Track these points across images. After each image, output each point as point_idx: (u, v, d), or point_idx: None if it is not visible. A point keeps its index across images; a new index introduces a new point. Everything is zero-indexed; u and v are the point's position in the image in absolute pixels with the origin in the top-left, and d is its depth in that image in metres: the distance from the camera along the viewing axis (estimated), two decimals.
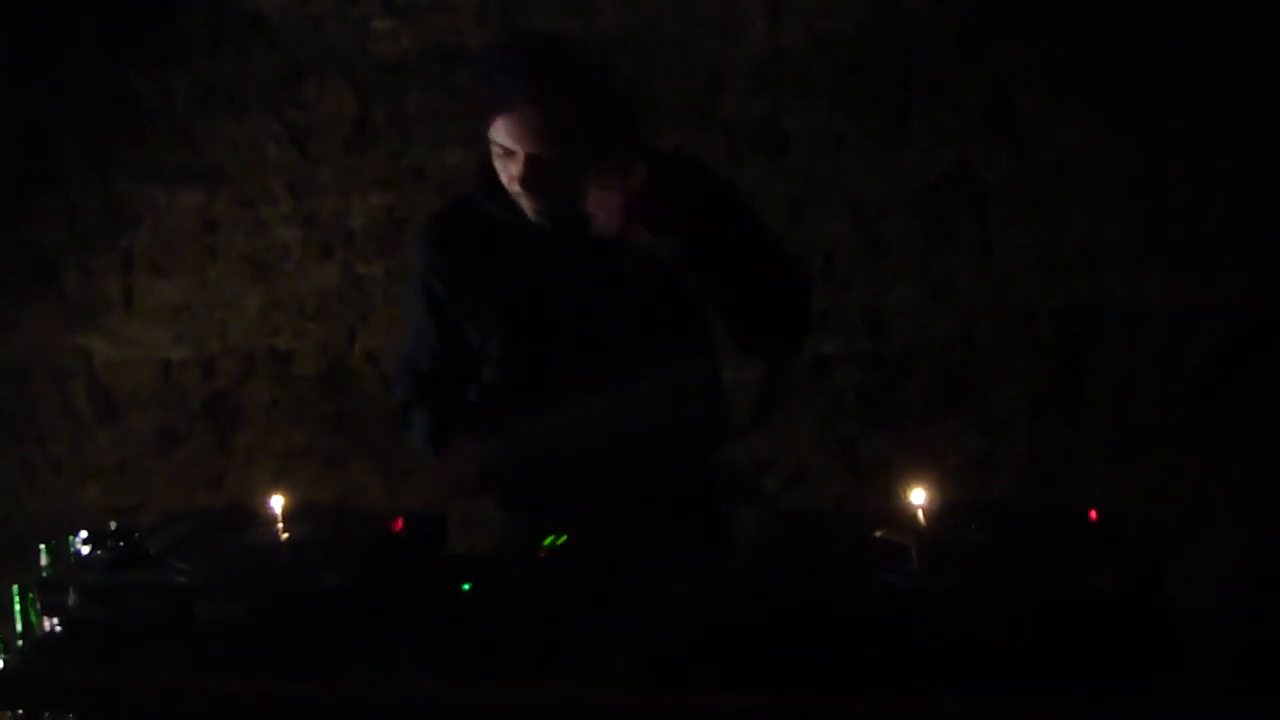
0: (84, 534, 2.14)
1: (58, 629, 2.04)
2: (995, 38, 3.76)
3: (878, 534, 2.01)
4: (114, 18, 4.20)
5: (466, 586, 2.09)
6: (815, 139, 3.89)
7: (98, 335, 4.41)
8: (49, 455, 4.51)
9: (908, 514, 2.01)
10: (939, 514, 2.01)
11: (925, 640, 1.76)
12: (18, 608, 2.06)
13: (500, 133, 2.38)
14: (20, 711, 1.98)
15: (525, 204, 2.45)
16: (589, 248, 2.42)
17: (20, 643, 2.05)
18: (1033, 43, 3.74)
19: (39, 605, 2.05)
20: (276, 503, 2.20)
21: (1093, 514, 2.04)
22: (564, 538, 2.20)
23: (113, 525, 2.13)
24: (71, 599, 2.01)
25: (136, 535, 2.12)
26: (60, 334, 4.43)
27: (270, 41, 4.14)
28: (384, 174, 4.16)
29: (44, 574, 2.11)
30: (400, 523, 2.23)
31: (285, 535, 2.17)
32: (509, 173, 2.42)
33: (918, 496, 2.01)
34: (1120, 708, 1.67)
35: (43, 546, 2.14)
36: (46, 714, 1.96)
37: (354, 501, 4.28)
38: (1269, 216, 3.68)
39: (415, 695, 1.86)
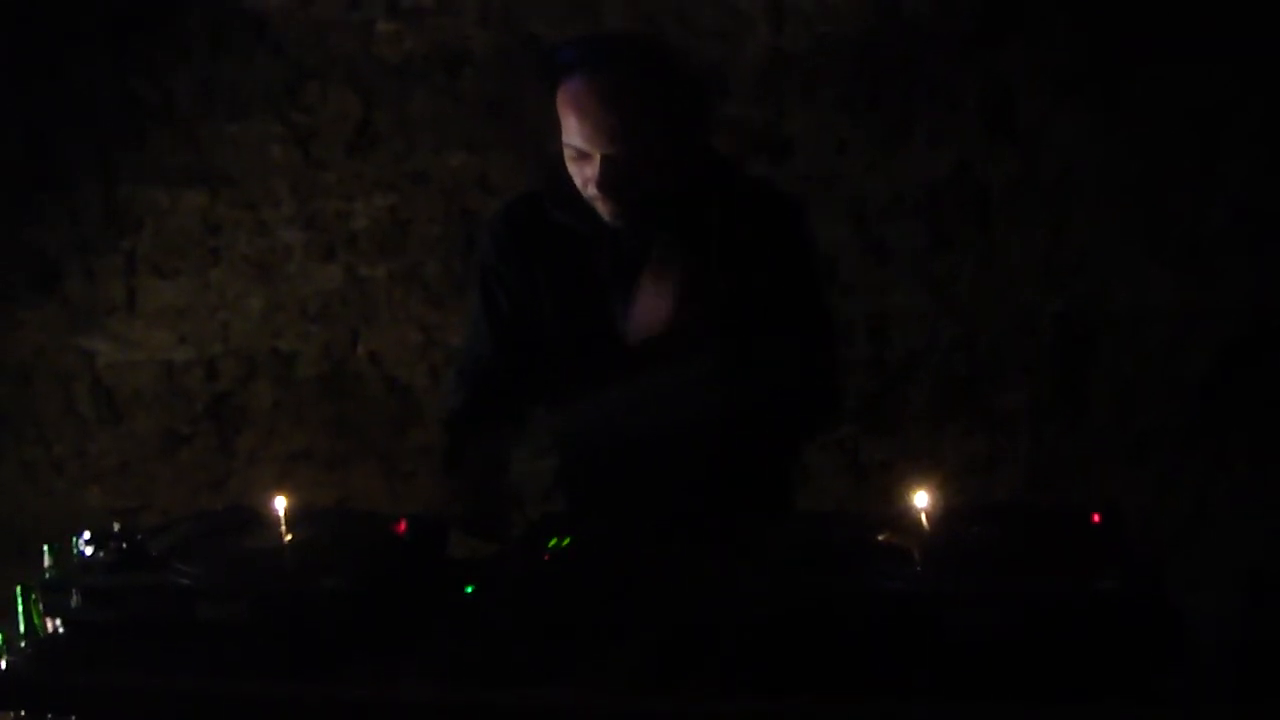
0: (87, 535, 2.14)
1: (60, 630, 2.05)
2: (997, 41, 3.76)
3: (880, 537, 2.01)
4: (117, 20, 4.20)
5: (469, 589, 2.09)
6: (817, 142, 3.90)
7: (101, 337, 4.41)
8: (52, 456, 4.51)
9: (910, 517, 2.01)
10: (942, 517, 2.01)
11: (928, 643, 1.76)
12: (20, 609, 2.06)
13: (575, 134, 2.32)
14: (23, 713, 1.98)
15: (601, 207, 2.39)
16: (662, 250, 2.41)
17: (23, 644, 2.05)
18: (1035, 46, 3.74)
19: (42, 606, 2.05)
20: (279, 504, 2.20)
21: (1096, 517, 2.04)
22: (567, 540, 2.20)
23: (115, 527, 2.13)
24: (74, 600, 2.01)
25: (139, 537, 2.12)
26: (63, 335, 4.43)
27: (273, 44, 4.14)
28: (387, 177, 4.16)
29: (47, 575, 2.11)
30: (403, 525, 2.23)
31: (288, 537, 2.17)
32: (584, 175, 2.36)
33: (920, 499, 2.01)
34: (1124, 710, 1.67)
35: (45, 548, 2.14)
36: (49, 715, 1.96)
37: (356, 503, 4.28)
38: (1271, 219, 3.68)
39: (417, 698, 1.86)
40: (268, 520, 2.20)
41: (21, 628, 2.06)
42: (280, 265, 4.27)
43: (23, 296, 4.41)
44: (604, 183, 2.33)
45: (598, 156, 2.31)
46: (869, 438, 4.01)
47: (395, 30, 4.08)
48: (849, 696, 1.73)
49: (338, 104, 4.14)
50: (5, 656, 2.03)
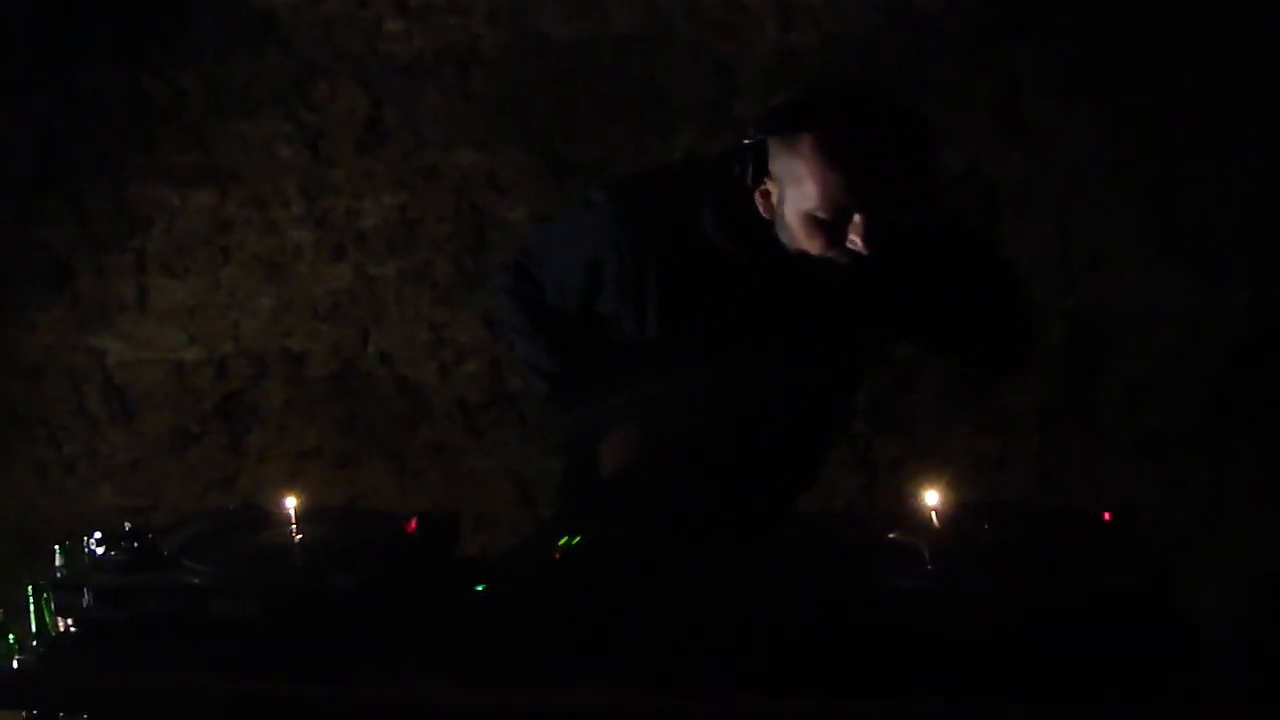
0: (98, 534, 2.15)
1: (72, 630, 2.05)
2: (1006, 40, 3.75)
3: (890, 536, 2.02)
4: (126, 20, 4.21)
5: (480, 587, 2.09)
6: None
7: (111, 336, 4.42)
8: (63, 456, 4.52)
9: (920, 516, 2.01)
10: (952, 516, 2.01)
11: (938, 642, 1.76)
12: (32, 608, 2.07)
13: (825, 198, 2.21)
14: (35, 712, 1.98)
15: (842, 262, 2.27)
16: (813, 281, 2.36)
17: (35, 643, 2.06)
18: (1044, 44, 3.74)
19: (53, 606, 2.05)
20: (290, 503, 2.21)
21: (1106, 516, 2.04)
22: (577, 539, 2.20)
23: (127, 525, 2.14)
24: (86, 599, 2.02)
25: (150, 535, 2.12)
26: (73, 335, 4.43)
27: (282, 43, 4.14)
28: (396, 175, 4.16)
29: (58, 574, 2.11)
30: (413, 523, 2.24)
31: (298, 536, 2.17)
32: (828, 236, 2.25)
33: (930, 498, 2.01)
34: (1134, 709, 1.67)
35: (57, 547, 2.15)
36: (61, 715, 1.97)
37: (367, 502, 4.28)
38: (1279, 219, 3.68)
39: (428, 696, 1.86)
40: (278, 519, 2.21)
41: (33, 627, 2.06)
42: (290, 264, 4.27)
43: (33, 296, 4.42)
44: (870, 240, 2.22)
45: (859, 217, 2.21)
46: (879, 436, 4.00)
47: (404, 28, 4.08)
48: (858, 695, 1.73)
49: (347, 102, 4.15)
50: (17, 656, 2.04)
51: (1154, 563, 1.85)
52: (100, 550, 2.13)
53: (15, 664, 2.03)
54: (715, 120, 3.92)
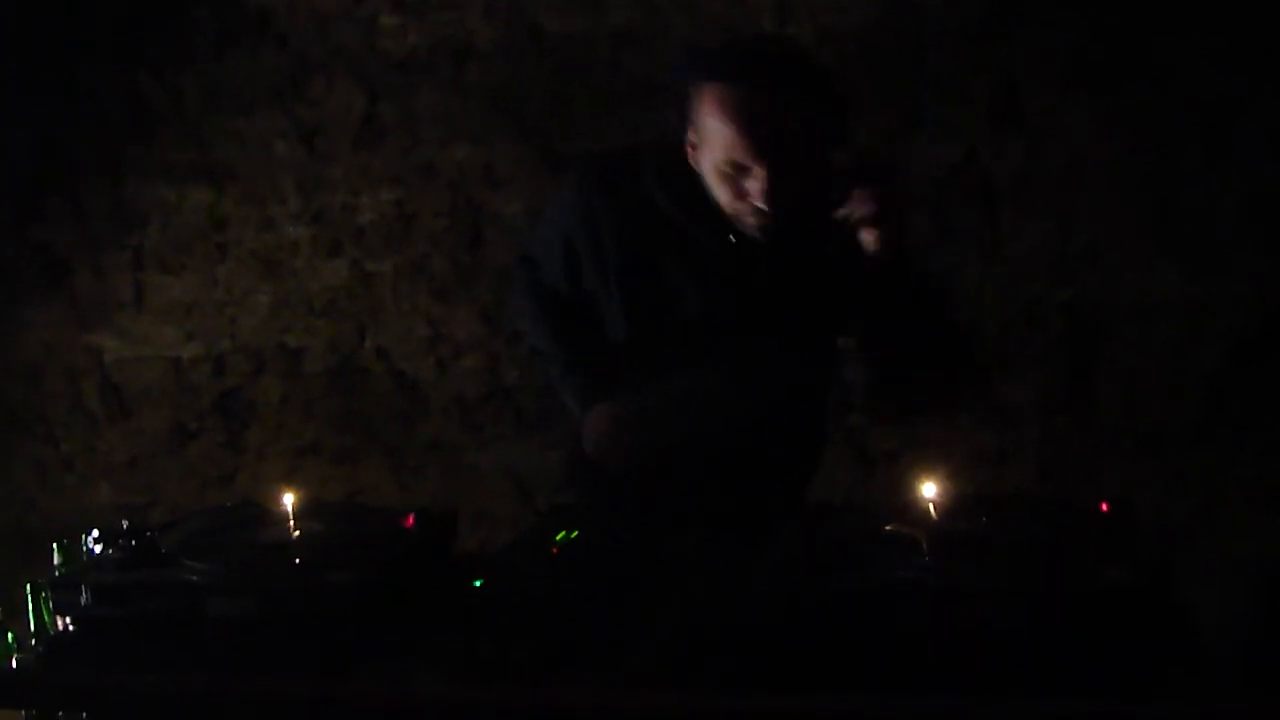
0: (96, 532, 2.15)
1: (70, 628, 2.05)
2: (1004, 32, 3.75)
3: (888, 528, 2.01)
4: (122, 17, 4.20)
5: (478, 583, 2.09)
6: None
7: (108, 333, 4.42)
8: (60, 454, 4.52)
9: (918, 508, 2.01)
10: (950, 508, 2.01)
11: (936, 635, 1.75)
12: (30, 607, 2.07)
13: (734, 147, 2.24)
14: (34, 711, 1.98)
15: (751, 221, 2.31)
16: (791, 259, 2.39)
17: (33, 642, 2.06)
18: (1043, 36, 3.73)
19: (52, 604, 2.05)
20: (288, 500, 2.21)
21: (1104, 507, 2.04)
22: (575, 534, 2.20)
23: (125, 523, 2.14)
24: (84, 598, 2.02)
25: (148, 533, 2.12)
26: (71, 333, 4.43)
27: (278, 39, 4.14)
28: (393, 170, 4.16)
29: (56, 573, 2.11)
30: (411, 519, 2.24)
31: (297, 532, 2.17)
32: (738, 188, 2.28)
33: (928, 490, 2.01)
34: (1133, 702, 1.67)
35: (55, 545, 2.15)
36: (60, 713, 1.97)
37: (365, 498, 4.28)
38: (1279, 210, 3.68)
39: (427, 692, 1.86)
40: (276, 515, 2.21)
41: (32, 625, 2.06)
42: (287, 260, 4.27)
43: (30, 294, 4.42)
44: (770, 195, 2.25)
45: (763, 169, 2.24)
46: (877, 429, 4.00)
47: (399, 23, 4.08)
48: (856, 690, 1.73)
49: (343, 98, 4.14)
50: (16, 654, 2.04)
51: (1153, 556, 1.85)
52: (98, 548, 2.13)
53: (14, 662, 2.03)
54: None
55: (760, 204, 2.27)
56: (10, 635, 2.05)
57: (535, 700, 1.80)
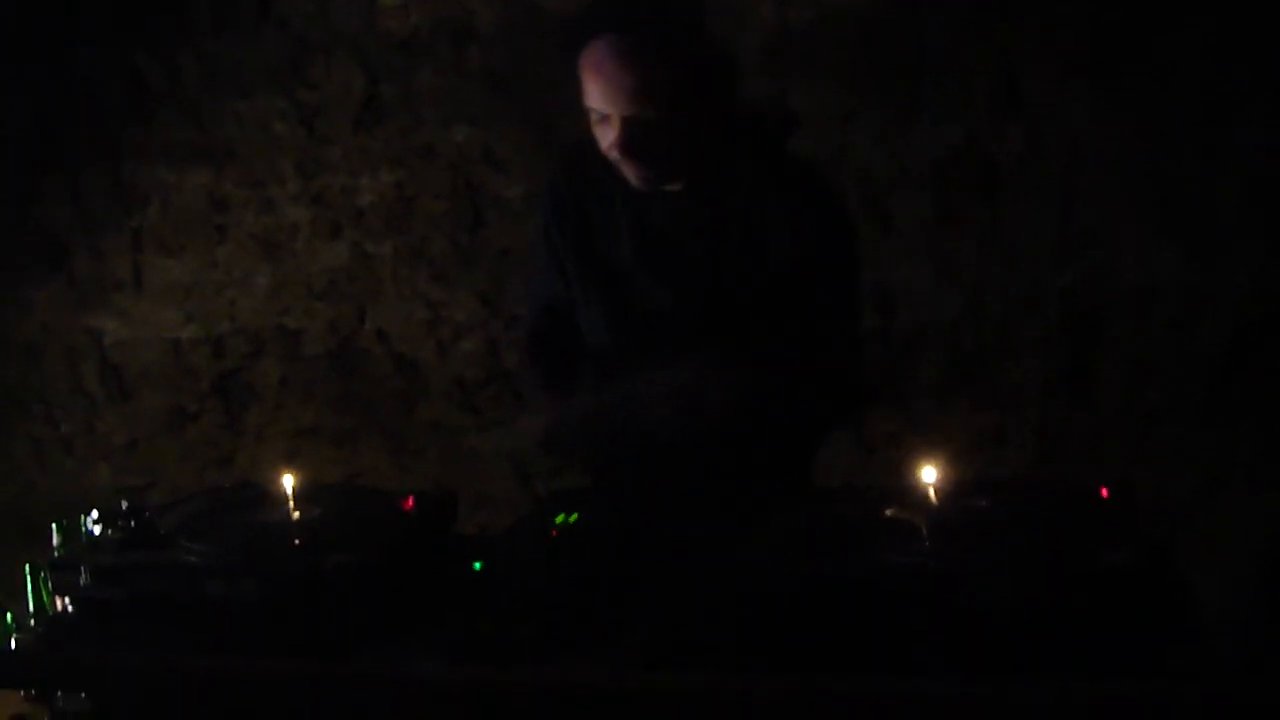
0: (95, 513, 2.15)
1: (70, 609, 2.05)
2: (1004, 15, 3.74)
3: (887, 512, 2.01)
4: None
5: (477, 565, 2.09)
6: (824, 117, 3.88)
7: (108, 315, 4.42)
8: (60, 435, 4.52)
9: (918, 492, 2.01)
10: (949, 492, 2.01)
11: (936, 618, 1.75)
12: (30, 587, 2.07)
13: (594, 95, 2.32)
14: (33, 691, 1.98)
15: (625, 170, 2.39)
16: (688, 212, 2.41)
17: (32, 622, 2.06)
18: (1043, 20, 3.72)
19: (51, 585, 2.05)
20: (287, 481, 2.21)
21: (1104, 491, 2.04)
22: (575, 516, 2.20)
23: (124, 504, 2.14)
24: (83, 578, 2.02)
25: (147, 514, 2.12)
26: (70, 314, 4.43)
27: (278, 20, 4.13)
28: (393, 152, 4.16)
29: (56, 554, 2.11)
30: (411, 501, 2.24)
31: (296, 514, 2.17)
32: (607, 139, 2.35)
33: (928, 474, 2.01)
34: (1133, 684, 1.67)
35: (54, 526, 2.15)
36: (59, 694, 1.97)
37: (364, 479, 4.29)
38: None
39: (426, 674, 1.86)
40: (276, 497, 2.21)
41: (31, 606, 2.07)
42: (286, 242, 4.27)
43: (30, 275, 4.42)
44: (624, 144, 2.32)
45: (617, 118, 2.31)
46: (876, 412, 4.00)
47: (400, 4, 4.06)
48: (856, 673, 1.73)
49: (342, 79, 4.13)
50: (15, 635, 2.04)
51: (1154, 538, 1.85)
52: (98, 529, 2.14)
53: (13, 643, 2.03)
54: None
55: (615, 152, 2.34)
56: (9, 615, 2.05)
57: (535, 683, 1.80)
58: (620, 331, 2.53)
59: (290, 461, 2.50)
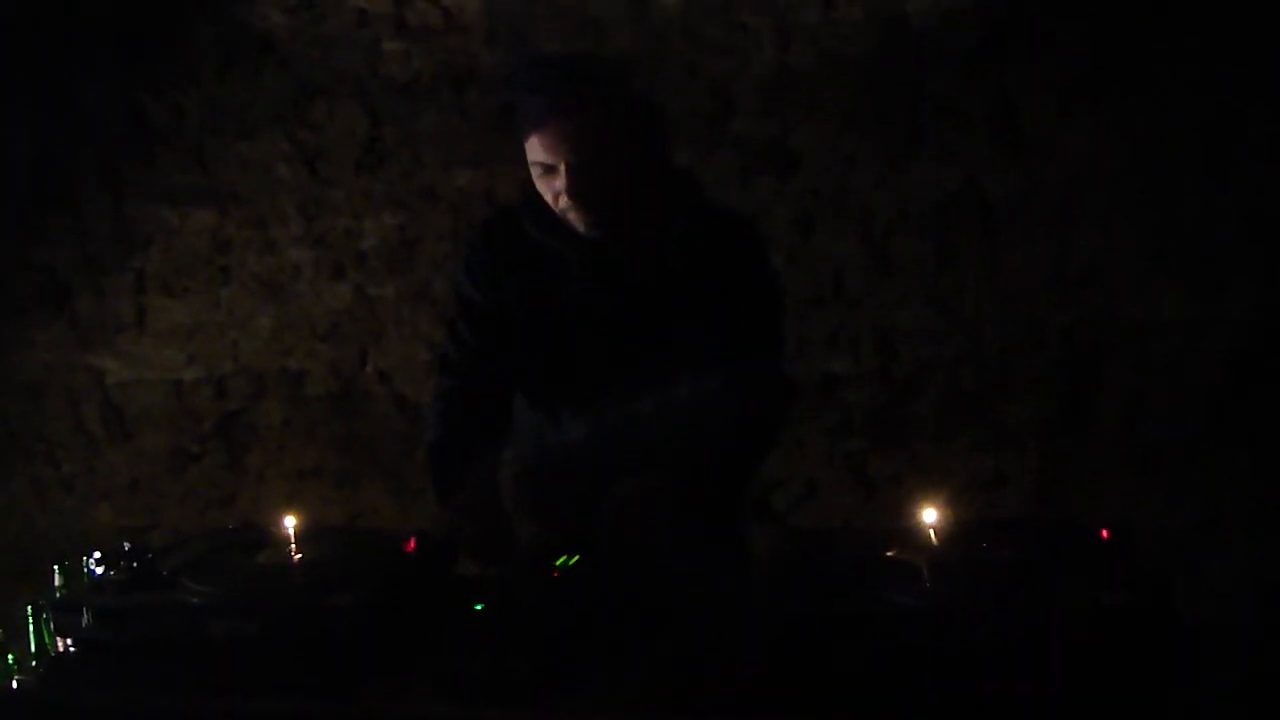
0: (97, 554, 2.15)
1: (71, 649, 2.05)
2: (1003, 55, 3.76)
3: (888, 553, 2.02)
4: (125, 39, 4.22)
5: (478, 606, 2.09)
6: (824, 158, 3.90)
7: (110, 355, 4.42)
8: (61, 475, 4.52)
9: (918, 532, 2.01)
10: (950, 532, 2.01)
11: (936, 659, 1.76)
12: (31, 628, 2.07)
13: (538, 150, 2.38)
14: None
15: (574, 218, 2.43)
16: (636, 262, 2.45)
17: (34, 663, 2.06)
18: (1040, 59, 3.75)
19: (52, 626, 2.06)
20: (289, 522, 2.21)
21: (1104, 533, 2.04)
22: (575, 558, 2.20)
23: (125, 545, 2.14)
24: (85, 619, 2.02)
25: (149, 555, 2.13)
26: (72, 354, 4.44)
27: (281, 62, 4.15)
28: (395, 194, 4.17)
29: (57, 594, 2.12)
30: (412, 542, 2.24)
31: (297, 555, 2.17)
32: (553, 189, 2.41)
33: (928, 515, 2.01)
34: None
35: (56, 567, 2.15)
36: None
37: (365, 521, 4.28)
38: (1278, 230, 3.68)
39: (428, 715, 1.86)
40: (277, 538, 2.21)
41: (32, 647, 2.06)
42: (289, 284, 4.28)
43: (32, 315, 4.43)
44: (572, 189, 2.38)
45: (562, 166, 2.37)
46: (877, 452, 4.01)
47: (402, 48, 4.09)
48: (858, 714, 1.73)
49: (345, 122, 4.16)
50: (17, 675, 2.04)
51: (1153, 577, 1.85)
52: (99, 570, 2.14)
53: (15, 684, 2.03)
54: (712, 138, 3.93)
55: (564, 200, 2.40)
56: (11, 656, 2.05)
57: None
58: (552, 380, 2.56)
59: (292, 503, 2.51)
